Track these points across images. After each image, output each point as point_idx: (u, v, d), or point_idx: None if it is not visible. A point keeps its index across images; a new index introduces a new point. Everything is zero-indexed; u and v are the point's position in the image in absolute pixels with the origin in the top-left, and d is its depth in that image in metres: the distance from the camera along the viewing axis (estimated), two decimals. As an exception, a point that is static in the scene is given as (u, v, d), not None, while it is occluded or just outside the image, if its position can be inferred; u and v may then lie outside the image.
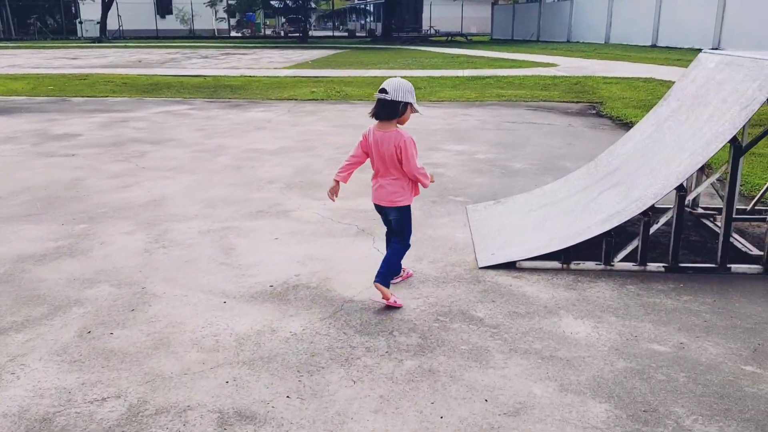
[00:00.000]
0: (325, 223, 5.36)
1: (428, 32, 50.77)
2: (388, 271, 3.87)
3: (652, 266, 4.41)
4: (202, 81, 16.83)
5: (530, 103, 12.74)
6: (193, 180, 6.76)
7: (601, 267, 4.42)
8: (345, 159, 4.14)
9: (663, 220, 4.38)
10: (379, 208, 4.06)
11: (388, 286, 3.82)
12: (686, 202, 4.34)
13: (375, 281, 3.77)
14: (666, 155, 4.72)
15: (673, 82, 15.08)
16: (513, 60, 23.56)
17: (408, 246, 4.01)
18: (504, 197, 6.08)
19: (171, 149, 8.37)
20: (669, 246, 4.49)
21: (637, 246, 4.40)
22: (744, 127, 4.25)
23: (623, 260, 4.43)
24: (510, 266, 4.43)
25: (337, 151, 8.22)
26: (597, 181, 5.24)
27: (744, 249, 4.67)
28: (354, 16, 69.51)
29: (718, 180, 5.37)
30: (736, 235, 4.83)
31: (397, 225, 3.97)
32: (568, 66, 20.40)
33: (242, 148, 8.41)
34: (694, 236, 5.10)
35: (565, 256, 4.42)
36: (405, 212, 3.95)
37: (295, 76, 17.94)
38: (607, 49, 28.57)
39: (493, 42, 40.97)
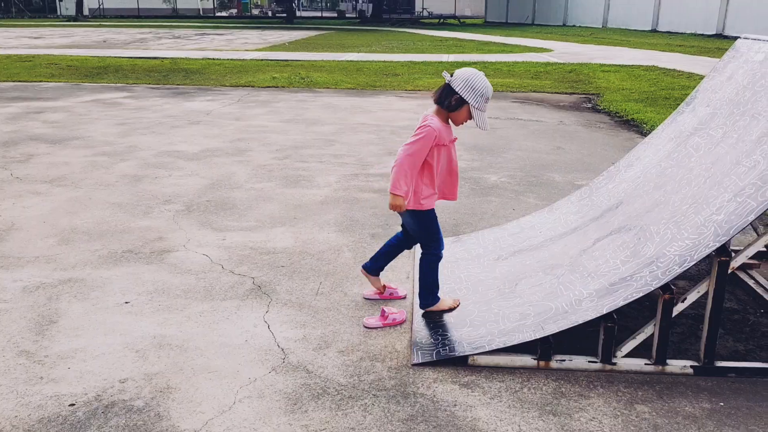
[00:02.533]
0: (212, 272, 3.83)
1: (421, 14, 48.90)
2: (427, 291, 3.29)
3: (675, 365, 2.90)
4: (158, 64, 15.18)
5: (518, 94, 11.17)
6: (68, 198, 5.19)
7: (598, 366, 2.90)
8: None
9: (692, 298, 2.86)
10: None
11: (434, 302, 3.29)
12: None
13: (420, 307, 3.32)
14: (694, 192, 3.19)
15: (678, 72, 13.59)
16: (504, 44, 21.93)
17: (436, 255, 3.24)
18: (468, 231, 4.55)
19: (69, 151, 6.79)
20: (698, 331, 3.00)
21: (653, 334, 2.89)
22: (823, 155, 2.73)
23: (630, 354, 2.92)
24: (460, 362, 2.92)
25: (274, 155, 6.67)
26: (593, 219, 3.71)
27: (808, 332, 3.17)
28: (345, -4, 67.46)
29: None
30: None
31: (414, 232, 3.26)
32: (562, 52, 18.81)
33: (157, 150, 6.84)
34: (728, 300, 3.59)
35: (543, 347, 2.90)
36: (418, 218, 3.16)
37: (262, 59, 16.28)
38: (604, 34, 26.94)
39: (486, 25, 39.22)
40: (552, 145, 7.37)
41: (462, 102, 2.98)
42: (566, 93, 11.29)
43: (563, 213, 4.02)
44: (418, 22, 42.14)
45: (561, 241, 3.69)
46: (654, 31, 27.63)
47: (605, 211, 3.70)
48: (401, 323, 3.25)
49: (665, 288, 2.81)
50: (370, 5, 51.00)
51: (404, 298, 3.54)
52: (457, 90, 2.96)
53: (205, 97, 10.58)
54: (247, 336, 3.11)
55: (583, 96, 11.01)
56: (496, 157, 6.72)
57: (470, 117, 3.05)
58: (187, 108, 9.54)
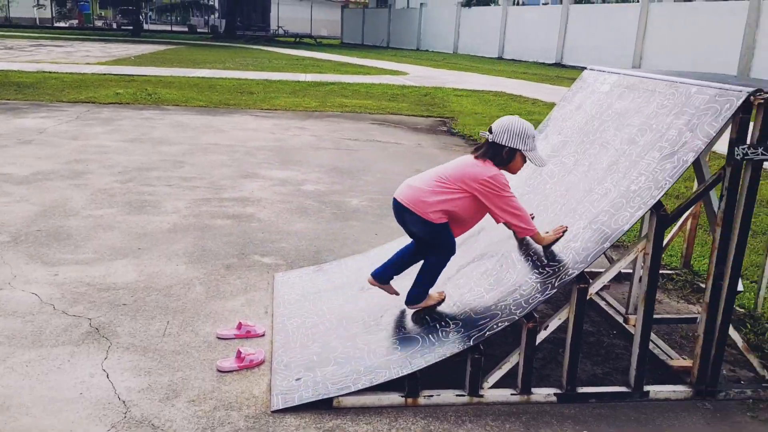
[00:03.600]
0: (41, 314, 3.36)
1: (276, 32, 48.56)
2: (420, 286, 3.15)
3: (539, 394, 2.89)
4: (-16, 75, 13.75)
5: (376, 116, 11.25)
6: None
7: (465, 399, 2.82)
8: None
9: (554, 325, 2.87)
10: (398, 210, 3.12)
11: (423, 298, 3.16)
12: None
13: (406, 302, 3.21)
14: (551, 218, 3.24)
15: (524, 98, 14.29)
16: (361, 66, 22.21)
17: (447, 258, 3.17)
18: (330, 258, 4.38)
19: None
20: (558, 356, 3.02)
21: (518, 363, 2.87)
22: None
23: (496, 384, 2.87)
24: (324, 405, 2.72)
25: (116, 178, 6.14)
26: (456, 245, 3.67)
27: (657, 351, 3.30)
28: (197, 11, 65.57)
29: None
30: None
31: (429, 239, 3.13)
32: (417, 75, 19.33)
33: (-21, 173, 6.07)
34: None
35: (411, 383, 2.78)
36: (438, 230, 3.06)
37: (105, 74, 15.26)
38: (455, 59, 28.13)
39: (342, 46, 39.68)
40: (411, 168, 7.41)
41: (513, 152, 3.03)
42: (422, 116, 11.53)
43: (425, 239, 3.96)
44: (273, 40, 41.77)
45: (424, 269, 3.62)
46: (500, 58, 29.25)
47: (467, 237, 3.67)
48: (260, 364, 3.00)
49: (529, 316, 2.79)
50: (223, 21, 49.94)
51: (263, 335, 3.30)
52: (504, 143, 3.01)
53: (38, 114, 9.66)
54: (83, 388, 2.72)
55: (439, 119, 11.29)
56: (356, 180, 6.63)
57: (524, 161, 3.09)
58: (17, 125, 8.64)
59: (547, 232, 3.08)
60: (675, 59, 19.36)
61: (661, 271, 4.45)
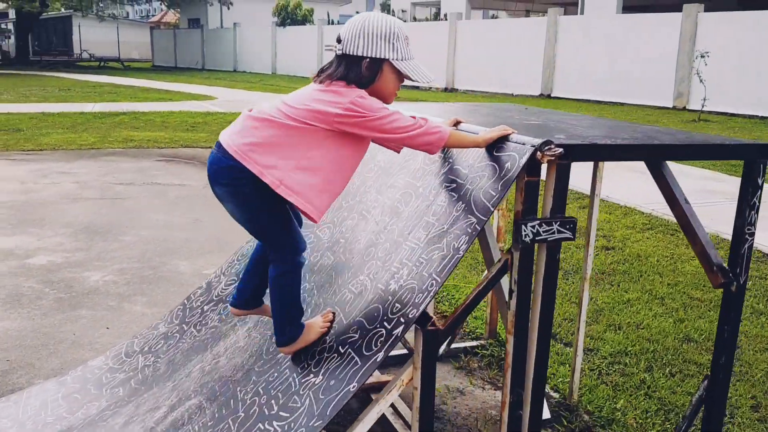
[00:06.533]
0: None
1: (80, 56, 44.68)
2: (286, 319, 2.08)
3: None
4: None
5: (166, 151, 9.86)
6: None
7: None
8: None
9: None
10: (213, 164, 2.01)
11: (298, 333, 2.07)
12: None
13: (278, 346, 2.14)
14: (294, 327, 2.25)
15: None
16: (167, 91, 20.44)
17: (295, 264, 2.07)
18: (24, 381, 3.09)
19: None
20: None
21: None
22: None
23: None
24: None
25: None
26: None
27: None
28: (-11, 34, 59.02)
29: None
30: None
31: (252, 227, 2.08)
32: (227, 99, 18.02)
33: None
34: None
35: None
36: (252, 202, 1.99)
37: None
38: (273, 80, 27.11)
39: (153, 69, 37.20)
40: (190, 216, 6.21)
41: (377, 63, 1.95)
42: (220, 148, 10.32)
43: (134, 350, 2.83)
44: (74, 65, 38.25)
45: (126, 409, 2.48)
46: (319, 77, 28.65)
47: (180, 360, 2.60)
48: None
49: None
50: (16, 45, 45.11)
51: None
52: (361, 53, 1.94)
53: None
54: None
55: (238, 151, 10.14)
56: (110, 243, 5.31)
57: (401, 79, 2.00)
58: None
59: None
60: (484, 77, 19.69)
61: (464, 344, 3.66)
